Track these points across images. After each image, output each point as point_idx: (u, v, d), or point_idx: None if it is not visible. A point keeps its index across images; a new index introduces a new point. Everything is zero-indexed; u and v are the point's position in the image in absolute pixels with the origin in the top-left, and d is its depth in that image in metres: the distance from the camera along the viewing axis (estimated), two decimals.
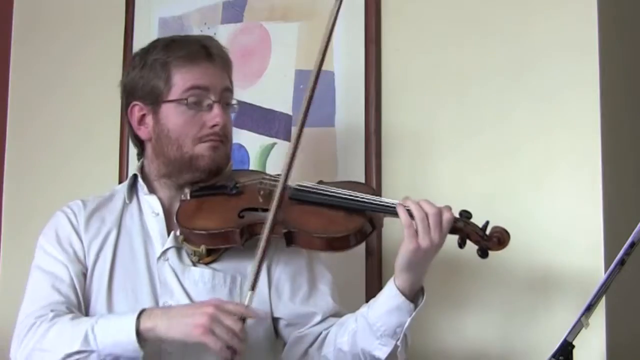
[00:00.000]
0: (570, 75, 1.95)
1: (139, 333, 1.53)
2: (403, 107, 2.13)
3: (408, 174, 2.10)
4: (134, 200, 1.81)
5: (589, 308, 1.51)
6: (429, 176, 2.08)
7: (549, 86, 1.97)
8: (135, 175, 1.82)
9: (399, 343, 1.60)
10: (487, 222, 1.60)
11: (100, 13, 2.59)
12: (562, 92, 1.95)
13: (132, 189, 1.83)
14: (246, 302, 1.56)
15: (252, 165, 2.26)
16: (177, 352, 1.64)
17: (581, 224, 1.90)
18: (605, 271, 1.54)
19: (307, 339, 1.73)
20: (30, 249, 1.77)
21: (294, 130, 1.72)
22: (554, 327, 1.82)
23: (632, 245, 1.48)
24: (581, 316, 1.50)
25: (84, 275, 1.72)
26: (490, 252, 1.59)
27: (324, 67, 2.19)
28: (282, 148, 2.24)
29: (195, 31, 2.39)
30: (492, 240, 1.58)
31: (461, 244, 1.60)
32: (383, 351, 1.61)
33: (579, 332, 1.50)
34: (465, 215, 1.61)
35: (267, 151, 2.25)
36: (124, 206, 1.80)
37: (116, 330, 1.56)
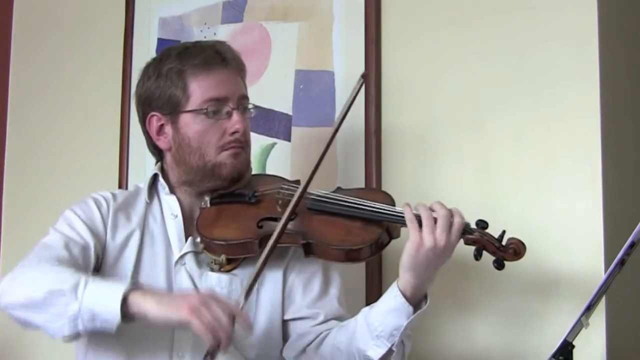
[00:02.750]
0: (570, 71, 1.94)
1: (126, 300, 1.49)
2: (403, 107, 2.13)
3: (408, 173, 2.10)
4: (155, 200, 1.80)
5: (589, 308, 1.51)
6: (429, 176, 2.08)
7: (549, 84, 1.96)
8: (155, 175, 1.81)
9: (394, 348, 1.60)
10: (504, 232, 1.59)
11: (100, 13, 2.59)
12: (562, 90, 1.95)
13: (152, 188, 1.82)
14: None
15: (252, 165, 2.26)
16: (188, 351, 1.65)
17: (581, 223, 1.90)
18: (605, 271, 1.54)
19: (307, 338, 1.74)
20: (30, 244, 1.76)
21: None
22: (554, 327, 1.82)
23: (632, 245, 1.48)
24: (581, 316, 1.49)
25: (98, 255, 1.70)
26: (505, 263, 1.59)
27: (323, 67, 2.22)
28: (282, 148, 2.24)
29: (195, 31, 2.39)
30: (508, 251, 1.58)
31: (477, 256, 1.59)
32: (376, 352, 1.61)
33: (579, 332, 1.50)
34: (482, 225, 1.60)
35: (267, 151, 2.25)
36: (147, 206, 1.79)
37: (106, 289, 1.53)
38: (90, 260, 1.68)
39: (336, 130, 1.74)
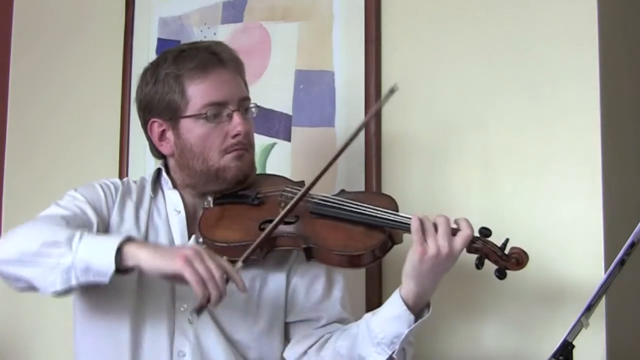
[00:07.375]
0: (570, 72, 1.94)
1: (120, 251, 1.49)
2: (403, 108, 2.13)
3: (408, 174, 2.10)
4: (160, 194, 1.79)
5: (589, 308, 1.50)
6: (428, 177, 2.08)
7: (550, 84, 1.97)
8: (159, 170, 1.81)
9: (394, 355, 1.59)
10: (507, 240, 1.58)
11: (100, 13, 2.59)
12: (562, 90, 1.95)
13: (156, 183, 1.81)
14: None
15: None
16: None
17: (581, 224, 1.90)
18: (605, 271, 1.54)
19: (308, 340, 1.74)
20: None
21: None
22: (556, 330, 1.81)
23: (632, 245, 1.48)
24: (581, 316, 1.49)
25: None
26: (508, 272, 1.57)
27: (323, 67, 2.22)
28: (282, 148, 2.24)
29: (195, 31, 2.39)
30: (510, 260, 1.57)
31: (479, 265, 1.57)
32: (377, 359, 1.60)
33: (579, 332, 1.50)
34: (485, 232, 1.59)
35: (267, 151, 2.25)
36: (151, 200, 1.78)
37: (101, 241, 1.53)
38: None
39: (351, 140, 1.70)
